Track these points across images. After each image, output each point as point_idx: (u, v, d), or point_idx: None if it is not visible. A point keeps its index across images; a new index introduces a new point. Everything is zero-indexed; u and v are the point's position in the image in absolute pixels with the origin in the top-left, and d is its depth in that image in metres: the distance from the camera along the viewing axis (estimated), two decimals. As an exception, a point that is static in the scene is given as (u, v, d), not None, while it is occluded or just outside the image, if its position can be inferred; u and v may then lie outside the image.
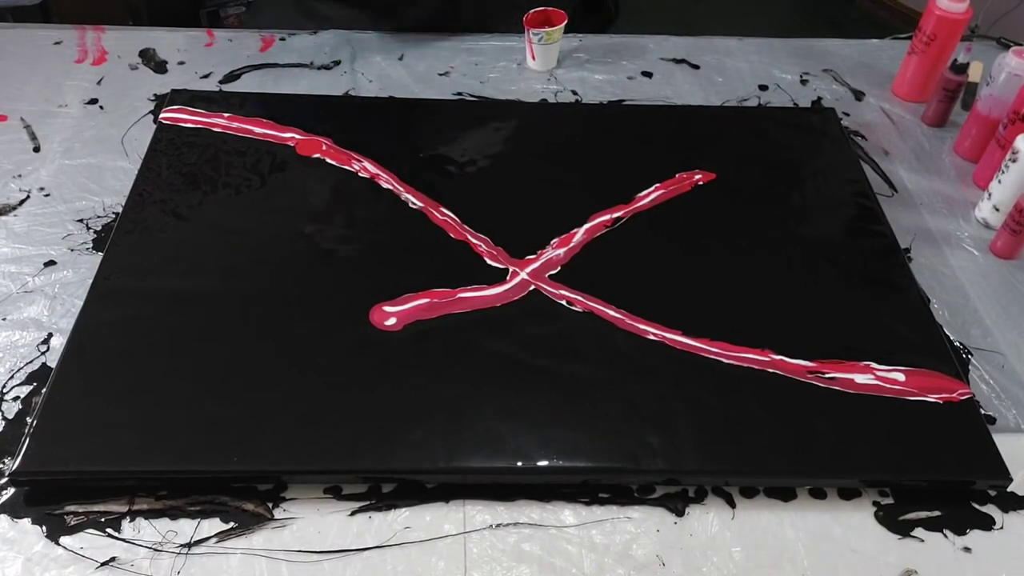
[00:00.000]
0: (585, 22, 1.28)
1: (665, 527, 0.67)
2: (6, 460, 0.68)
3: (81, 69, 1.10)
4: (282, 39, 1.17)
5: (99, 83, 1.08)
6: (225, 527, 0.65)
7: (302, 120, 0.99)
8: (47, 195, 0.92)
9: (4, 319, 0.79)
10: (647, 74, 1.16)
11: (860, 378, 0.75)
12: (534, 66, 1.15)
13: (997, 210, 0.93)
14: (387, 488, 0.68)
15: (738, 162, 0.98)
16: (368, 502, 0.67)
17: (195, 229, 0.86)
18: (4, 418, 0.71)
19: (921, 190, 1.00)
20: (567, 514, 0.67)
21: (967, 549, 0.67)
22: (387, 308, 0.79)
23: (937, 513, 0.69)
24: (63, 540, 0.63)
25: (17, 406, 0.72)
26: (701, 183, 0.95)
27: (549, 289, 0.82)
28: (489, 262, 0.84)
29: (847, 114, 1.11)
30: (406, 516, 0.66)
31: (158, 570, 0.62)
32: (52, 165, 0.95)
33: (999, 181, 0.92)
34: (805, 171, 0.98)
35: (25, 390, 0.73)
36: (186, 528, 0.65)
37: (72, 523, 0.64)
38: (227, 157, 0.94)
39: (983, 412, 0.75)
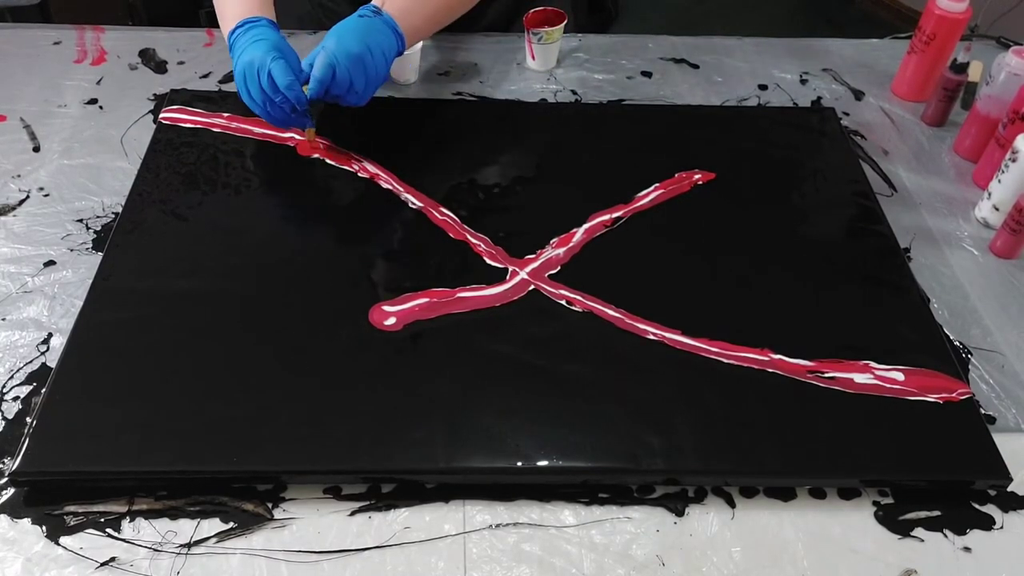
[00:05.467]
0: (585, 22, 1.28)
1: (665, 527, 0.67)
2: (6, 460, 0.68)
3: (80, 69, 1.10)
4: (282, 39, 1.17)
5: (98, 83, 1.08)
6: (225, 527, 0.65)
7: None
8: (47, 195, 0.92)
9: (4, 319, 0.79)
10: (647, 74, 1.16)
11: (860, 378, 0.75)
12: (534, 66, 1.15)
13: (997, 210, 0.93)
14: (387, 488, 0.68)
15: (738, 162, 0.98)
16: (368, 502, 0.67)
17: (195, 229, 0.86)
18: (4, 418, 0.71)
19: (921, 190, 1.00)
20: (567, 514, 0.67)
21: (967, 549, 0.67)
22: (387, 308, 0.79)
23: (937, 513, 0.69)
24: (63, 540, 0.63)
25: (17, 406, 0.72)
26: (701, 183, 0.95)
27: (549, 289, 0.82)
28: (489, 262, 0.84)
29: (847, 114, 1.11)
30: (406, 516, 0.66)
31: (158, 570, 0.62)
32: (52, 165, 0.95)
33: (999, 181, 0.92)
34: (805, 171, 0.98)
35: (25, 390, 0.73)
36: (186, 528, 0.65)
37: (72, 523, 0.64)
38: (227, 157, 0.94)
39: (983, 412, 0.75)
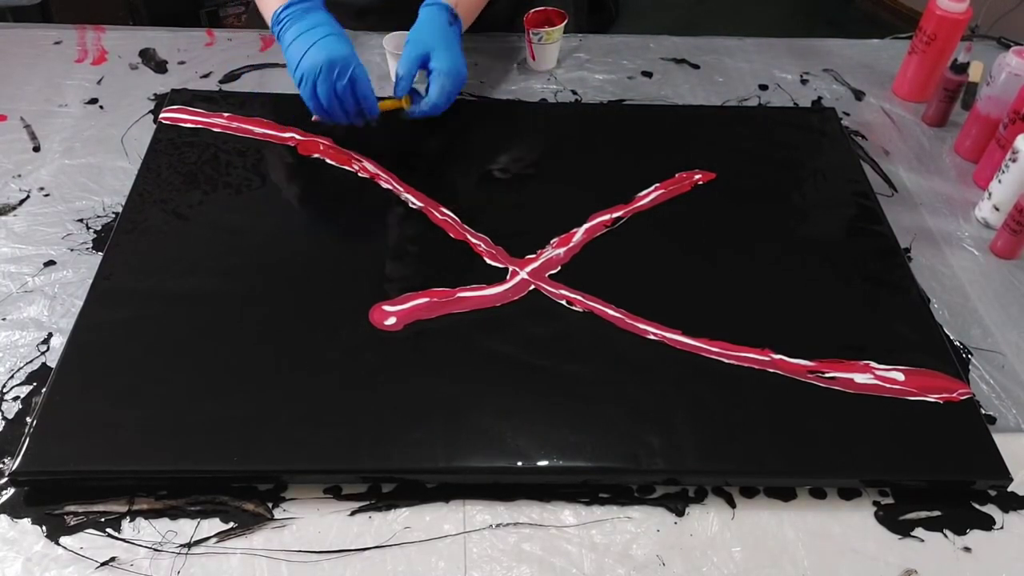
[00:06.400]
0: (586, 22, 1.28)
1: (665, 527, 0.67)
2: (6, 460, 0.68)
3: (81, 69, 1.10)
4: (282, 39, 1.17)
5: (99, 83, 1.08)
6: (225, 527, 0.65)
7: (302, 120, 0.99)
8: (47, 195, 0.92)
9: (4, 319, 0.79)
10: (647, 74, 1.16)
11: (860, 378, 0.75)
12: (534, 66, 1.15)
13: (997, 210, 0.93)
14: (387, 488, 0.68)
15: (738, 162, 0.98)
16: (368, 502, 0.67)
17: (195, 229, 0.86)
18: (4, 418, 0.71)
19: (921, 190, 1.00)
20: (567, 514, 0.67)
21: (967, 549, 0.67)
22: (387, 308, 0.79)
23: (937, 513, 0.69)
24: (63, 540, 0.63)
25: (17, 406, 0.72)
26: (701, 183, 0.95)
27: (549, 289, 0.82)
28: (489, 262, 0.84)
29: (847, 114, 1.11)
30: (406, 516, 0.66)
31: (158, 570, 0.62)
32: (52, 165, 0.95)
33: (999, 181, 0.92)
34: (805, 171, 0.98)
35: (25, 390, 0.73)
36: (186, 528, 0.65)
37: (72, 523, 0.64)
38: (227, 157, 0.94)
39: (983, 412, 0.75)
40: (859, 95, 1.15)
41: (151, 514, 0.65)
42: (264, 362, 0.74)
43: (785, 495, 0.69)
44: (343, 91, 0.87)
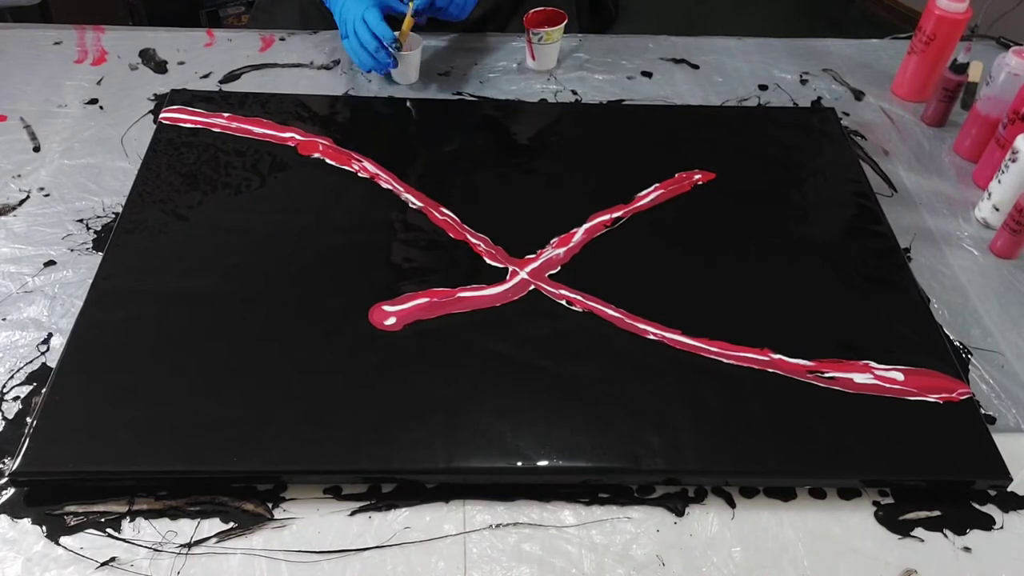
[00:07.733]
0: (586, 22, 1.28)
1: (665, 527, 0.67)
2: (6, 460, 0.68)
3: (81, 69, 1.10)
4: (282, 39, 1.17)
5: (99, 83, 1.08)
6: (225, 527, 0.65)
7: (302, 120, 0.99)
8: (47, 195, 0.92)
9: (4, 319, 0.79)
10: (647, 74, 1.16)
11: (859, 378, 0.75)
12: (534, 66, 1.15)
13: (997, 210, 0.93)
14: (387, 488, 0.68)
15: (738, 162, 0.98)
16: (368, 502, 0.67)
17: (195, 229, 0.86)
18: (4, 418, 0.71)
19: (921, 190, 1.00)
20: (567, 514, 0.67)
21: (967, 549, 0.67)
22: (387, 308, 0.79)
23: (937, 513, 0.69)
24: (63, 540, 0.63)
25: (17, 406, 0.72)
26: (701, 183, 0.95)
27: (549, 289, 0.82)
28: (489, 262, 0.84)
29: (847, 114, 1.11)
30: (406, 516, 0.66)
31: (158, 570, 0.62)
32: (52, 165, 0.95)
33: (999, 181, 0.92)
34: (805, 171, 0.98)
35: (25, 390, 0.73)
36: (186, 528, 0.65)
37: (72, 523, 0.64)
38: (227, 157, 0.94)
39: (983, 412, 0.75)
40: (858, 95, 1.15)
41: (151, 514, 0.65)
42: (264, 362, 0.74)
43: (785, 495, 0.69)
44: (363, 40, 0.99)
